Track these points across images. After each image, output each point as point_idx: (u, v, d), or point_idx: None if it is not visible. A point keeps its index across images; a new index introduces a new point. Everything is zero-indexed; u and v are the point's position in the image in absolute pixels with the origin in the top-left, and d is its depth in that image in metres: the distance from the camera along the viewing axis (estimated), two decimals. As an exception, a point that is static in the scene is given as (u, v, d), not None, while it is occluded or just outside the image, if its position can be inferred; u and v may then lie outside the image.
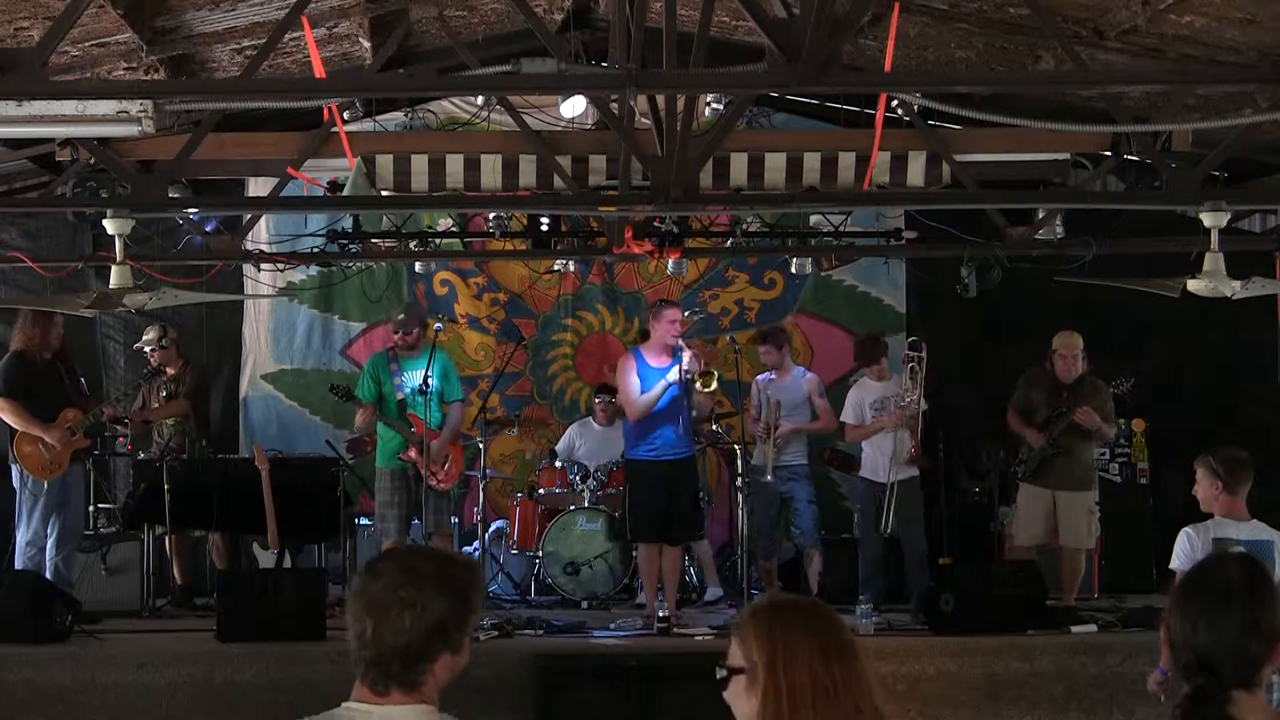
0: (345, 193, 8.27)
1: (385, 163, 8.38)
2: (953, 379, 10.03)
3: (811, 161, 8.29)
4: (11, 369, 8.65)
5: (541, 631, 8.01)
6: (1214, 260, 7.74)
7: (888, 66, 7.60)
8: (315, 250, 9.49)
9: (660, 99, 7.03)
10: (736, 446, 9.00)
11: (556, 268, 10.50)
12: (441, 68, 9.40)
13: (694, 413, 8.63)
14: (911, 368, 8.77)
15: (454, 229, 9.61)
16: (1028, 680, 7.24)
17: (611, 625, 8.34)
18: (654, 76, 6.10)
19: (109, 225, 7.61)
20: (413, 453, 8.36)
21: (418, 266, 10.05)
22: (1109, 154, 8.46)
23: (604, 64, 8.86)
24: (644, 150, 7.24)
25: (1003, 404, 9.00)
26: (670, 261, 9.27)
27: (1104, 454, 9.74)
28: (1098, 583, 9.57)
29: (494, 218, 9.28)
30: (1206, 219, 7.64)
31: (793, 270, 10.12)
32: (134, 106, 5.71)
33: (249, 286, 10.57)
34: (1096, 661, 7.28)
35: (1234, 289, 8.00)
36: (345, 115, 8.81)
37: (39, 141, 8.10)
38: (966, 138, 8.60)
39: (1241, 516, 5.58)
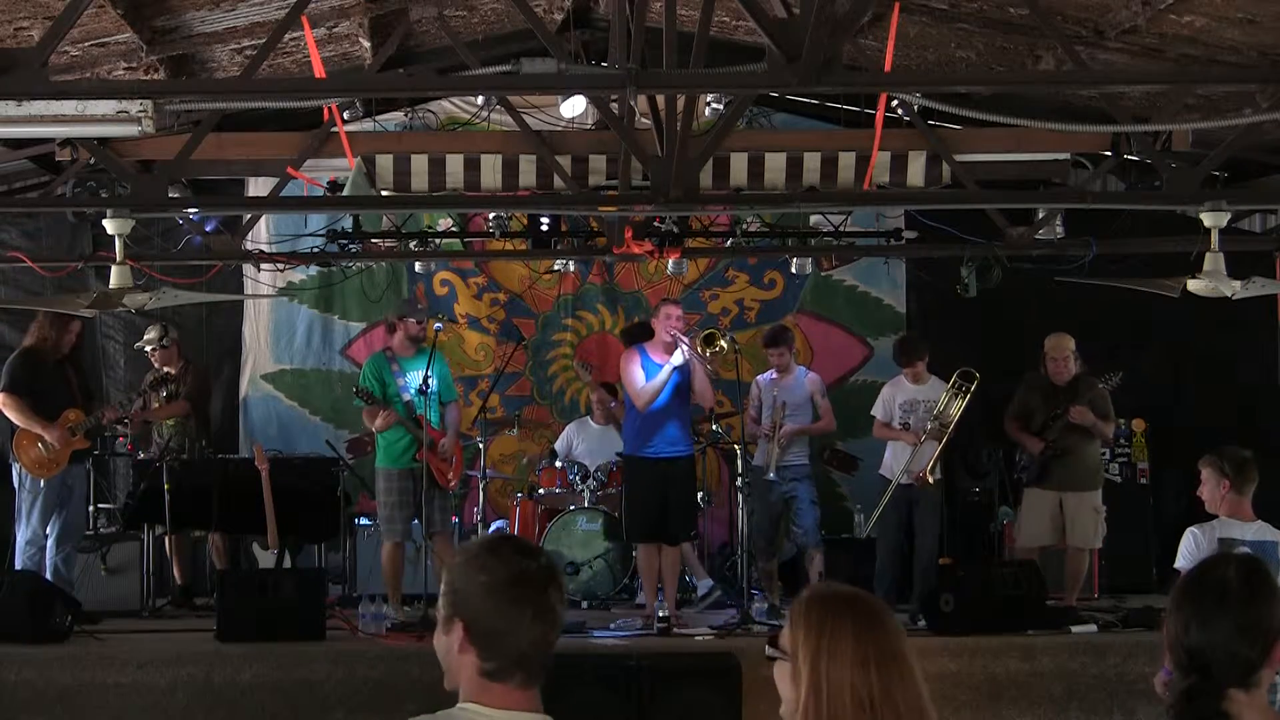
0: (345, 193, 8.27)
1: (385, 163, 8.38)
2: (953, 379, 10.02)
3: (811, 161, 8.29)
4: (18, 366, 8.67)
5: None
6: (1214, 260, 7.74)
7: (888, 66, 7.60)
8: (315, 250, 9.49)
9: (660, 99, 7.03)
10: (736, 446, 8.99)
11: (556, 268, 10.51)
12: (441, 68, 9.40)
13: (706, 399, 8.60)
14: (962, 390, 8.73)
15: (454, 229, 9.60)
16: (1028, 680, 7.24)
17: (611, 625, 8.34)
18: (654, 76, 6.10)
19: (109, 225, 7.61)
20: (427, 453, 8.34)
21: (418, 266, 10.05)
22: (1109, 154, 8.47)
23: (604, 64, 8.85)
24: (644, 150, 7.24)
25: (1003, 404, 9.00)
26: (670, 261, 9.28)
27: (1104, 454, 9.73)
28: (1098, 583, 9.57)
29: (494, 218, 9.28)
30: (1206, 219, 7.64)
31: (793, 270, 10.13)
32: (134, 106, 5.72)
33: (249, 286, 10.58)
34: (1097, 661, 7.28)
35: (1234, 289, 8.00)
36: (345, 115, 8.81)
37: (39, 141, 8.09)
38: (966, 138, 8.60)
39: (1247, 517, 5.59)
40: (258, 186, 9.93)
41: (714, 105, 9.16)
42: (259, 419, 10.87)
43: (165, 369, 9.51)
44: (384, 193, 8.45)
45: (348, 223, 9.25)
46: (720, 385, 8.95)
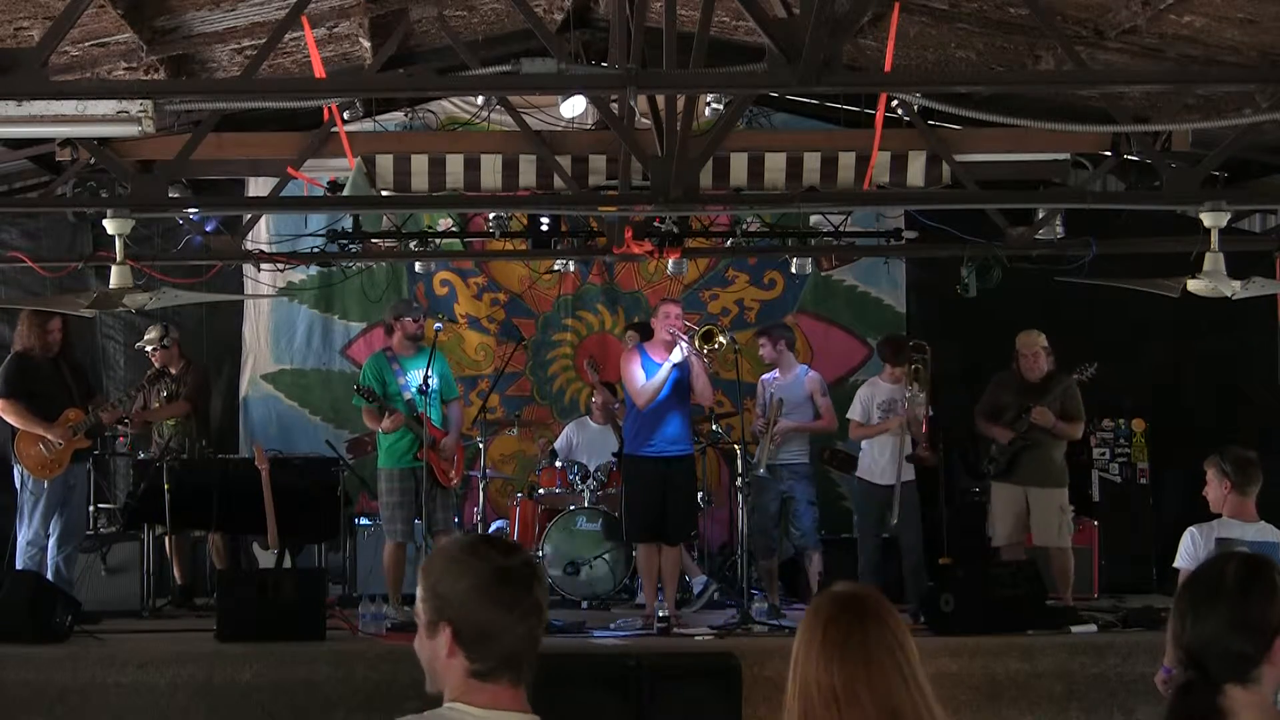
0: (345, 193, 8.27)
1: (385, 163, 8.38)
2: (953, 379, 10.01)
3: (811, 161, 8.28)
4: (12, 370, 8.67)
5: (541, 631, 8.01)
6: (1214, 260, 7.74)
7: (888, 66, 7.59)
8: (315, 250, 9.49)
9: (660, 99, 7.03)
10: (736, 446, 8.99)
11: (556, 268, 10.50)
12: (441, 68, 9.40)
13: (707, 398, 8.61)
14: (916, 368, 8.77)
15: (454, 229, 9.60)
16: (1028, 680, 7.23)
17: (611, 625, 8.34)
18: (654, 76, 6.09)
19: (109, 225, 7.62)
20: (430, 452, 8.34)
21: (418, 266, 10.05)
22: (1109, 154, 8.47)
23: (604, 64, 8.85)
24: (644, 150, 7.24)
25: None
26: (670, 261, 9.27)
27: (1104, 454, 9.75)
28: (1098, 583, 9.57)
29: (494, 218, 9.28)
30: (1206, 219, 7.64)
31: (793, 270, 10.12)
32: (134, 106, 5.72)
33: (249, 286, 10.58)
34: (1096, 661, 7.27)
35: (1234, 289, 8.00)
36: (345, 115, 8.80)
37: (39, 141, 8.10)
38: (966, 138, 8.59)
39: (1249, 517, 5.59)
40: (258, 186, 9.92)
41: (714, 105, 9.16)
42: (259, 419, 10.87)
43: (166, 368, 9.51)
44: (384, 193, 8.45)
45: (348, 223, 9.25)
46: (720, 385, 8.95)
